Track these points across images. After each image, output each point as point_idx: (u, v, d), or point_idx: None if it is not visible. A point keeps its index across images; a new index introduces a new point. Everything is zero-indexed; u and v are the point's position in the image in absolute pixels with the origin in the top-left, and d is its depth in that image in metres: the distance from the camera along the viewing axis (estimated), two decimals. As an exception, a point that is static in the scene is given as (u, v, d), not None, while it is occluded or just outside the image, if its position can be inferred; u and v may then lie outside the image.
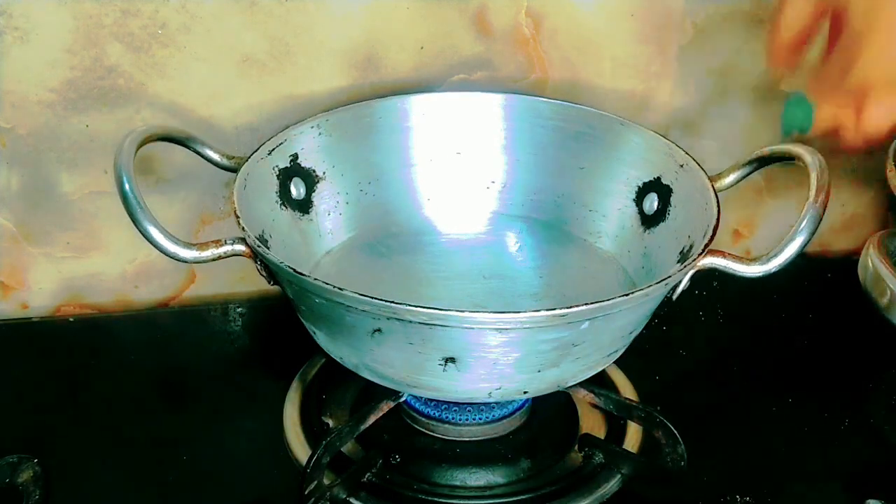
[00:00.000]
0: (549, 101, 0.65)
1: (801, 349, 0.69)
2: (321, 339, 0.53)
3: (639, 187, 0.61)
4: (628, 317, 0.50)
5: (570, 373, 0.52)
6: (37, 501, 0.52)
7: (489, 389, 0.50)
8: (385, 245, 0.63)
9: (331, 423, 0.59)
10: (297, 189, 0.60)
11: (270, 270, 0.51)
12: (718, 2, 0.68)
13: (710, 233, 0.51)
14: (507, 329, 0.46)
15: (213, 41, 0.63)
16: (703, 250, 0.50)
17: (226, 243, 0.50)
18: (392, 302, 0.45)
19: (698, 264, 0.50)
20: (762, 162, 0.57)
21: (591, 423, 0.59)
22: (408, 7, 0.65)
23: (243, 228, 0.50)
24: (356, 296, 0.45)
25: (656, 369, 0.64)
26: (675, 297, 0.51)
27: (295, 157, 0.60)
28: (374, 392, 0.56)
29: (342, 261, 0.62)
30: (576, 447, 0.57)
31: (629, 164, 0.62)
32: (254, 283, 0.67)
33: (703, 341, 0.69)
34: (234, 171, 0.56)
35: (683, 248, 0.55)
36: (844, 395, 0.64)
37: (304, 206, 0.61)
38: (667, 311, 0.54)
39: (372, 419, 0.55)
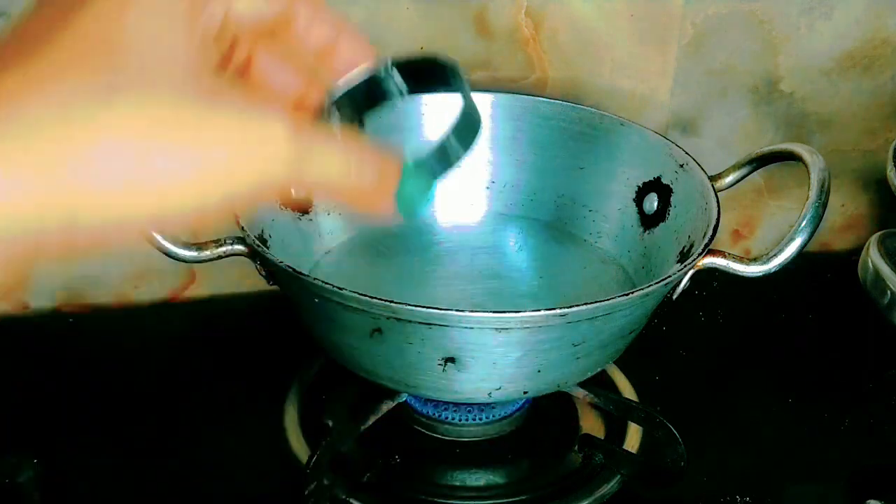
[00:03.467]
0: (549, 102, 0.65)
1: (801, 349, 0.68)
2: (321, 339, 0.53)
3: (639, 187, 0.61)
4: (628, 317, 0.50)
5: (570, 373, 0.52)
6: (37, 501, 0.52)
7: (489, 389, 0.50)
8: (385, 245, 0.63)
9: (331, 423, 0.58)
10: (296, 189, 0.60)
11: (270, 270, 0.51)
12: (718, 2, 0.68)
13: (710, 233, 0.51)
14: (506, 329, 0.46)
15: (213, 41, 0.62)
16: (703, 250, 0.50)
17: (225, 243, 0.50)
18: (392, 302, 0.44)
19: (698, 264, 0.50)
20: (762, 162, 0.57)
21: (591, 424, 0.59)
22: (408, 7, 0.65)
23: (243, 228, 0.50)
24: (356, 296, 0.45)
25: (656, 369, 0.64)
26: (675, 297, 0.51)
27: (295, 157, 0.60)
28: (374, 392, 0.56)
29: (342, 261, 0.62)
30: (576, 447, 0.57)
31: (629, 164, 0.62)
32: (254, 283, 0.67)
33: (703, 341, 0.69)
34: (234, 171, 0.56)
35: (683, 248, 0.55)
36: (844, 395, 0.64)
37: (303, 205, 0.61)
38: (667, 311, 0.54)
39: (372, 419, 0.55)
